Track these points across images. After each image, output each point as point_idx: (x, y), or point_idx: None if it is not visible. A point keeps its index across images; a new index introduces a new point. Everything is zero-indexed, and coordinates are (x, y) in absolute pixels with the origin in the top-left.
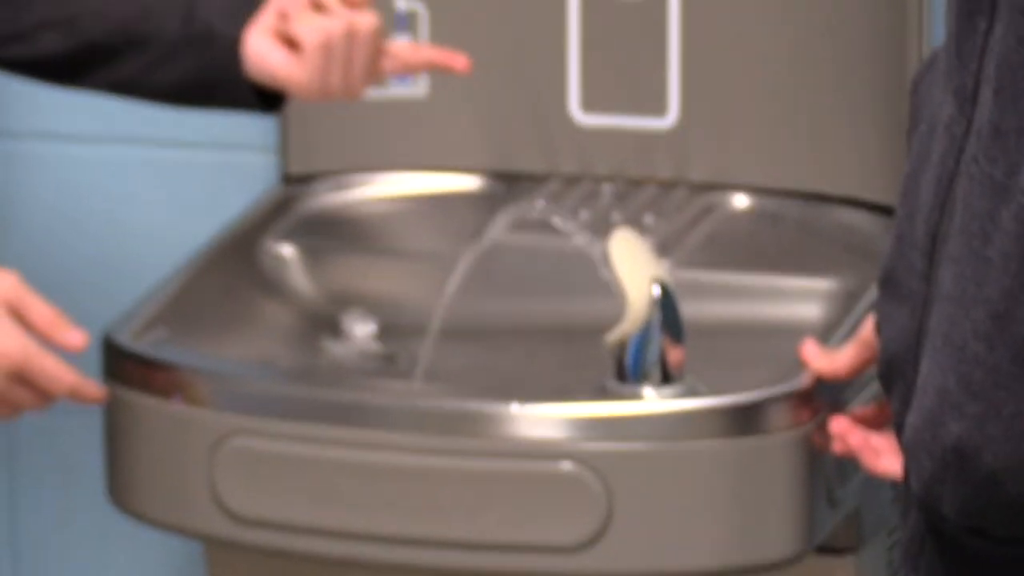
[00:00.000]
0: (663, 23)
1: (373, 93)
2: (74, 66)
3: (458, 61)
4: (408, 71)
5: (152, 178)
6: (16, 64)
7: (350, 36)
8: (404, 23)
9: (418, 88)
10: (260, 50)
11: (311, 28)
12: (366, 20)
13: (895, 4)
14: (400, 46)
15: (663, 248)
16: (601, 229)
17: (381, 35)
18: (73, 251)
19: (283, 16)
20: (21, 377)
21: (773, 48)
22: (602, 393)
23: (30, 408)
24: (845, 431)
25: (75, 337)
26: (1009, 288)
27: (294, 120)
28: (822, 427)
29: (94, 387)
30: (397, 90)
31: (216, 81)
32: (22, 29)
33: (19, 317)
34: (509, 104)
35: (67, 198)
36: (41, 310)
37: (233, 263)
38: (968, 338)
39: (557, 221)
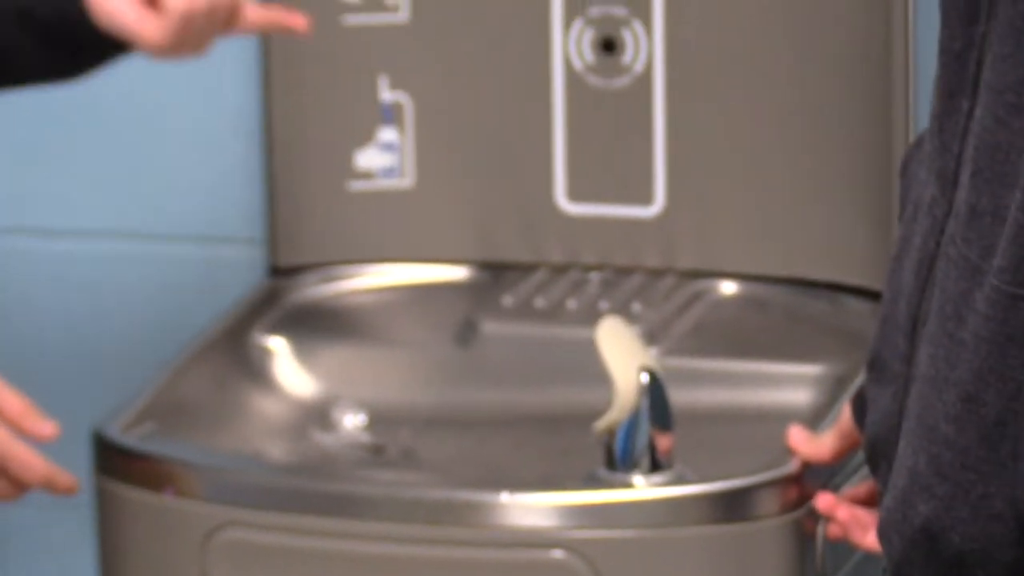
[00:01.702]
0: (648, 111)
1: (359, 185)
2: None
3: (297, 21)
4: (253, 32)
5: (139, 272)
6: None
7: (212, 8)
8: (389, 114)
9: (404, 179)
10: (117, 13)
11: (183, 7)
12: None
13: (880, 89)
14: (248, 10)
15: (651, 336)
16: (589, 318)
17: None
18: (60, 345)
19: None
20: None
21: (758, 135)
22: (592, 481)
23: (3, 498)
24: (831, 506)
25: (45, 427)
26: (979, 370)
27: (281, 213)
28: (812, 513)
29: (67, 477)
30: (383, 182)
31: (71, 48)
32: None
33: None
34: (495, 194)
35: (53, 292)
36: (11, 401)
37: (222, 355)
38: (939, 419)
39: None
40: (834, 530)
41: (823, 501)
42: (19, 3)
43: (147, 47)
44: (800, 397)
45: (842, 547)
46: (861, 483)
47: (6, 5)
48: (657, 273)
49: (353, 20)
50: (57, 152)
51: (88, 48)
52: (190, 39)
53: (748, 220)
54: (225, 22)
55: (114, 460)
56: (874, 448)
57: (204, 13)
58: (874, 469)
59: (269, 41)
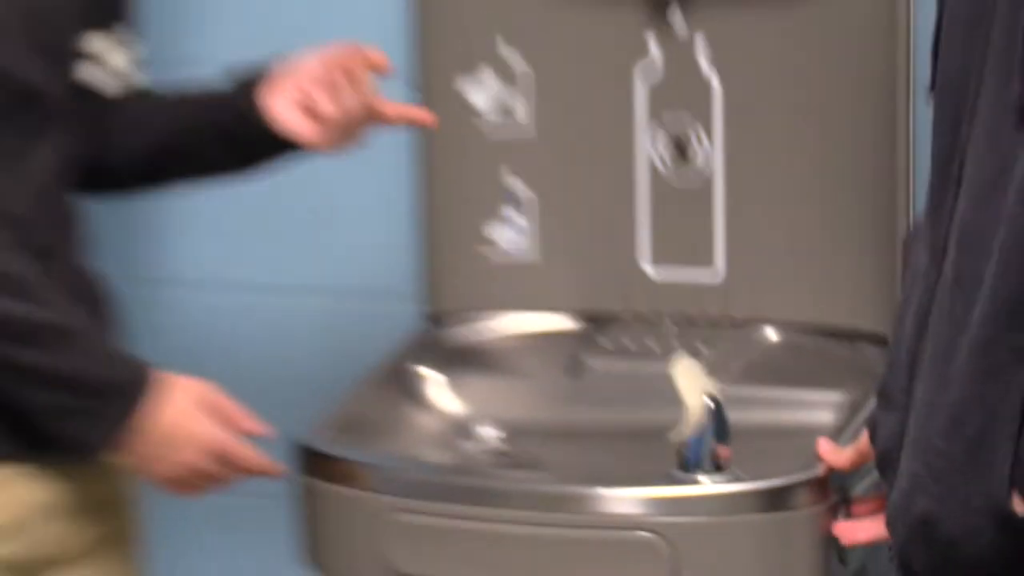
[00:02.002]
0: (711, 202)
1: (491, 251)
2: (150, 179)
3: (426, 117)
4: (393, 125)
5: (321, 320)
6: (103, 189)
7: (364, 115)
8: (513, 198)
9: (526, 248)
10: (285, 119)
11: (333, 108)
12: (373, 99)
13: (888, 186)
14: (387, 107)
15: (712, 369)
16: (666, 356)
17: (378, 104)
18: (257, 377)
19: (303, 91)
20: (222, 457)
21: (795, 219)
22: (669, 480)
23: (223, 482)
24: (842, 530)
25: (261, 429)
26: (962, 398)
27: (432, 273)
28: (834, 507)
29: (277, 465)
30: (509, 250)
31: (252, 147)
32: (120, 174)
33: (216, 414)
34: (595, 260)
35: (251, 334)
36: (233, 408)
37: (389, 383)
38: (933, 436)
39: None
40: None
41: (837, 528)
42: (212, 117)
43: (310, 146)
44: (826, 417)
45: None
46: (867, 498)
47: (202, 119)
48: (717, 322)
49: (488, 128)
50: (260, 223)
51: (266, 147)
52: (343, 136)
53: (786, 283)
54: (368, 120)
55: (313, 462)
56: (884, 459)
57: (356, 119)
58: (883, 474)
59: (422, 139)
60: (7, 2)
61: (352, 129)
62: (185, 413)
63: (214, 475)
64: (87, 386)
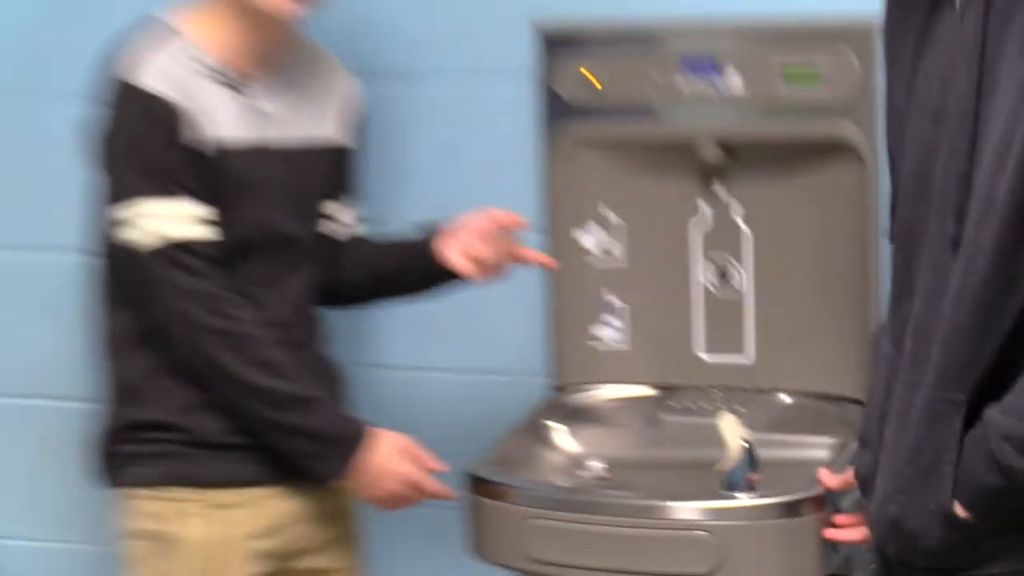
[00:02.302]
0: (743, 311)
1: (597, 344)
2: (367, 297)
3: (550, 261)
4: (526, 264)
5: (475, 392)
6: (335, 304)
7: (507, 257)
8: (609, 308)
9: (621, 341)
10: (456, 260)
11: (487, 253)
12: (514, 246)
13: (865, 301)
14: (523, 251)
15: (746, 423)
16: (714, 413)
17: (517, 249)
18: (433, 434)
19: (467, 241)
20: (414, 486)
21: (800, 322)
22: (717, 496)
23: (415, 502)
24: (832, 533)
25: (441, 465)
26: (917, 438)
27: (556, 358)
28: (828, 516)
29: (451, 491)
30: (610, 343)
31: (436, 278)
32: (347, 293)
33: (410, 456)
34: (667, 350)
35: (415, 407)
36: (421, 452)
37: (528, 433)
38: (898, 463)
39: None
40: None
41: (829, 533)
42: (409, 259)
43: (471, 279)
44: (823, 454)
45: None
46: (850, 514)
47: (402, 261)
48: (748, 391)
49: (594, 261)
50: (438, 324)
51: (442, 279)
52: (493, 271)
53: (794, 364)
54: (510, 260)
55: (478, 486)
56: (863, 483)
57: (497, 258)
58: (863, 493)
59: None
60: (281, 182)
61: (499, 266)
62: (389, 456)
63: (409, 498)
64: (324, 438)
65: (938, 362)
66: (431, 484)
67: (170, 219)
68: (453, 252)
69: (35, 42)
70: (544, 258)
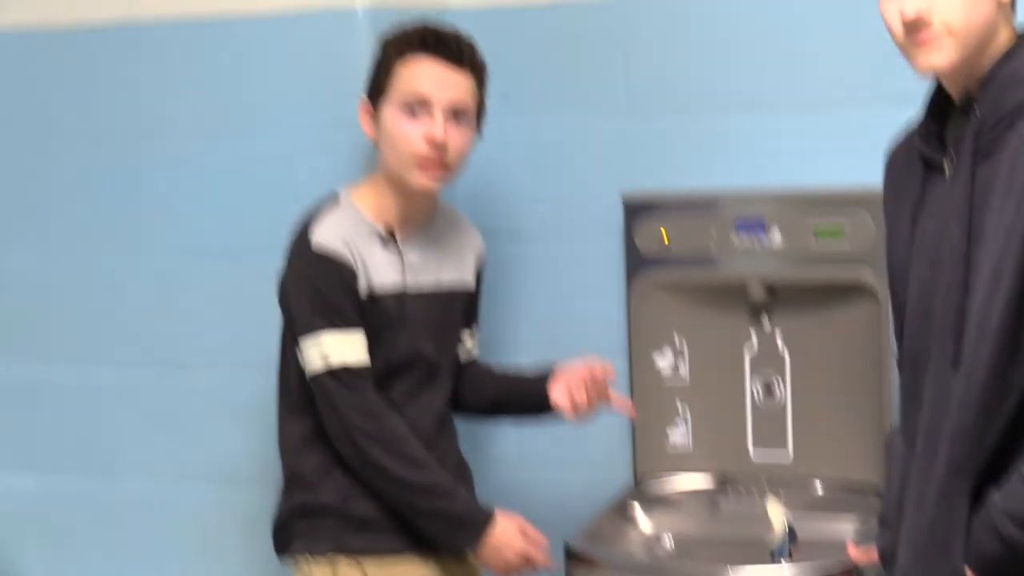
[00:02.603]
0: (785, 419)
1: (671, 446)
2: (481, 416)
3: (631, 409)
4: (612, 406)
5: (574, 485)
6: (460, 414)
7: (599, 400)
8: (679, 416)
9: (687, 445)
10: (560, 401)
11: (584, 398)
12: (607, 391)
13: (878, 402)
14: (613, 397)
15: (787, 506)
16: (763, 498)
17: (608, 394)
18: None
19: (570, 386)
20: (527, 559)
21: (830, 428)
22: (766, 563)
23: (526, 571)
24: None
25: (545, 541)
26: (932, 524)
27: (638, 455)
28: None
29: (552, 563)
30: (682, 447)
31: (541, 410)
32: (466, 409)
33: (524, 534)
34: (724, 449)
35: (526, 495)
36: (533, 531)
37: (615, 517)
38: (916, 536)
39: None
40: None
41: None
42: (524, 391)
43: (570, 417)
44: (850, 533)
45: None
46: None
47: (519, 391)
48: (789, 481)
49: (666, 378)
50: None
51: (546, 412)
52: (590, 411)
53: (825, 459)
54: (601, 402)
55: (574, 558)
56: (884, 557)
57: (592, 401)
58: (884, 567)
59: (631, 388)
60: (422, 318)
61: (593, 409)
62: (509, 533)
63: (522, 567)
64: (460, 520)
65: (947, 456)
66: (540, 556)
67: (340, 347)
68: (560, 395)
69: (237, 214)
70: (627, 406)
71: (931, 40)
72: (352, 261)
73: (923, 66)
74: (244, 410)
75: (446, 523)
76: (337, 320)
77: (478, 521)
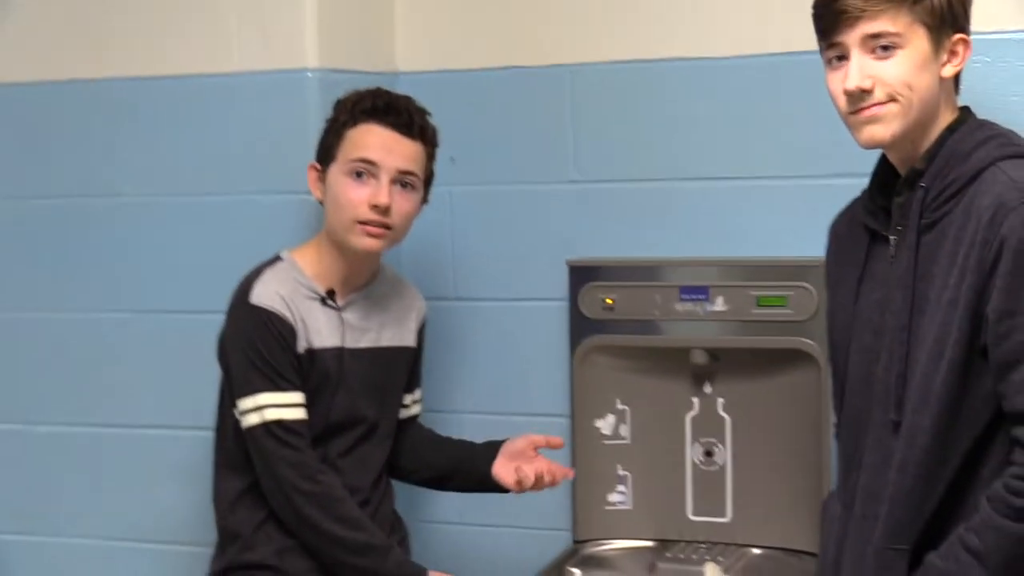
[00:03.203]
0: (725, 482)
1: (609, 507)
2: (418, 482)
3: (568, 473)
4: (554, 480)
5: (516, 547)
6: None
7: (548, 478)
8: (620, 478)
9: (629, 506)
10: (502, 476)
11: (528, 474)
12: (550, 467)
13: (816, 474)
14: (556, 471)
15: (726, 570)
16: (701, 562)
17: (551, 468)
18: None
19: (514, 461)
20: None
21: (767, 492)
22: None
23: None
24: None
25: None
26: None
27: (578, 518)
28: None
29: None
30: (621, 507)
31: (484, 486)
32: (403, 472)
33: None
34: (662, 512)
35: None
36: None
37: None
38: None
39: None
40: None
41: None
42: (468, 462)
43: (512, 490)
44: None
45: None
46: None
47: (462, 461)
48: (727, 545)
49: (608, 440)
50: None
51: (487, 486)
52: (533, 486)
53: (762, 525)
54: (546, 479)
55: None
56: None
57: (543, 479)
58: None
59: (573, 452)
60: (360, 378)
61: (538, 485)
62: None
63: None
64: (385, 567)
65: (886, 519)
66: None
67: (276, 404)
68: (501, 469)
69: (180, 272)
70: (566, 473)
71: (873, 114)
72: (291, 319)
73: (865, 139)
74: (183, 468)
75: None
76: (274, 377)
77: None
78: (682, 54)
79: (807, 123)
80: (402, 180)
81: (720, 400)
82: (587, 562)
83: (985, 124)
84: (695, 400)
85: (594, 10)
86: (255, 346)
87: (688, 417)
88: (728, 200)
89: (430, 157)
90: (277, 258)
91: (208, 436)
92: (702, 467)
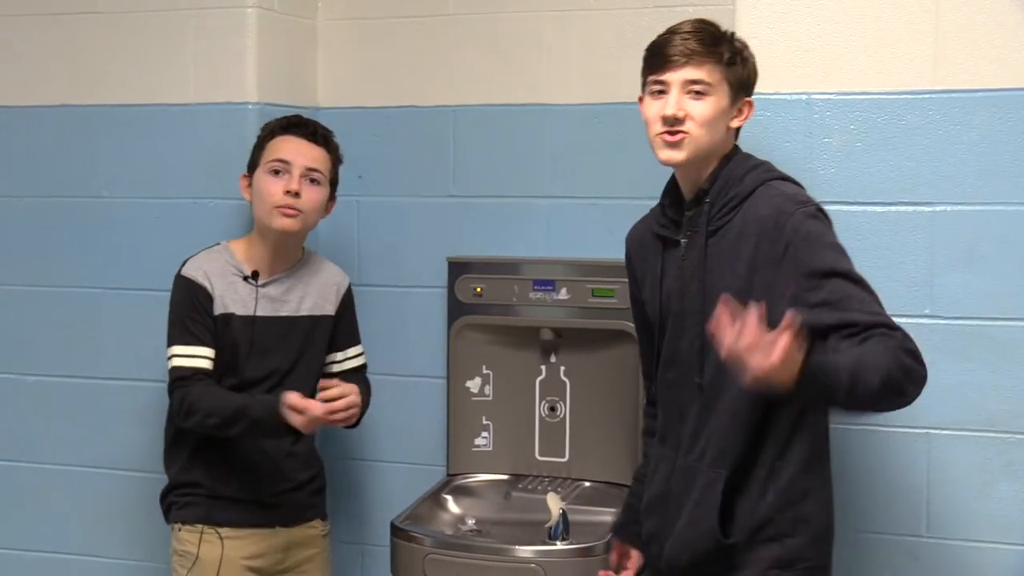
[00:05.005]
0: (565, 430)
1: (477, 450)
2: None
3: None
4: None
5: (388, 479)
6: None
7: (333, 417)
8: (485, 427)
9: (490, 448)
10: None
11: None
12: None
13: (633, 419)
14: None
15: (564, 499)
16: (545, 492)
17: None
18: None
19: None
20: (323, 414)
21: (598, 440)
22: (544, 542)
23: (312, 427)
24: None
25: (321, 405)
26: (699, 498)
27: (451, 457)
28: (606, 559)
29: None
30: (484, 449)
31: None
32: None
33: (304, 408)
34: (518, 453)
35: None
36: (308, 403)
37: (430, 501)
38: (689, 510)
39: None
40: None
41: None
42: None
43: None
44: (611, 518)
45: None
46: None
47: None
48: (564, 479)
49: (475, 397)
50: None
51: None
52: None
53: (594, 464)
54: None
55: (397, 533)
56: (651, 536)
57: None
58: (650, 542)
59: (449, 409)
60: (278, 341)
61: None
62: (298, 408)
63: (307, 424)
64: (263, 422)
65: (710, 453)
66: (316, 414)
67: (180, 356)
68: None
69: (142, 260)
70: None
71: (676, 140)
72: (208, 287)
73: (665, 157)
74: (139, 411)
75: (259, 427)
76: (183, 333)
77: (275, 413)
78: (539, 100)
79: (631, 158)
80: (310, 176)
81: (562, 368)
82: (457, 491)
83: (749, 156)
84: (543, 367)
85: (473, 64)
86: (175, 307)
87: (537, 381)
88: (571, 213)
89: (333, 163)
90: (216, 244)
91: (158, 386)
92: (547, 419)
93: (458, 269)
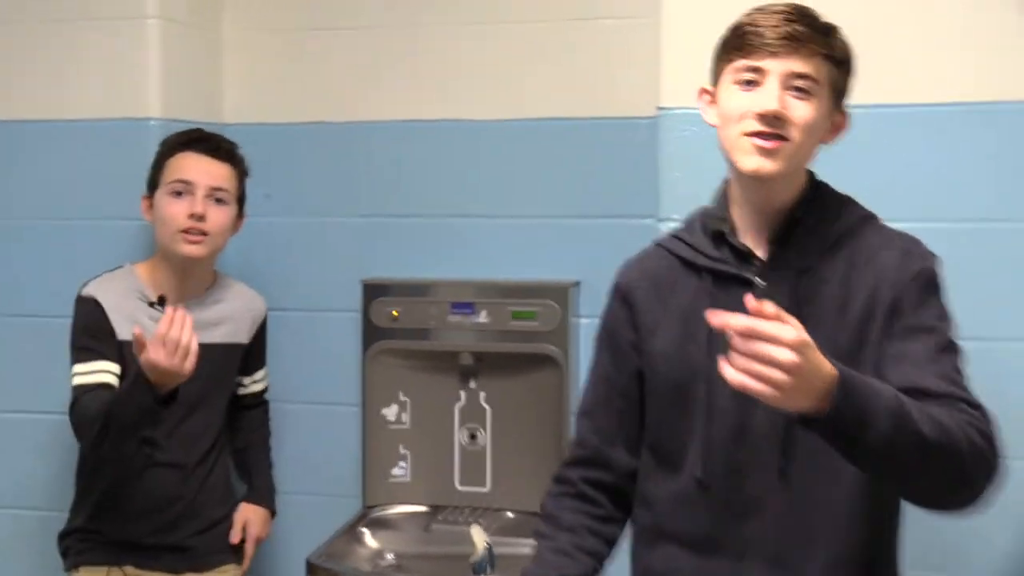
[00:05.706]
0: (486, 459)
1: (394, 481)
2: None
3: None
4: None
5: (302, 512)
6: None
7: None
8: (401, 456)
9: (408, 479)
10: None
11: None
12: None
13: (556, 449)
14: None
15: (487, 530)
16: (467, 524)
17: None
18: None
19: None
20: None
21: (519, 471)
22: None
23: (180, 374)
24: None
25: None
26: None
27: (367, 488)
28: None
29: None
30: (401, 480)
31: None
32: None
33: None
34: (436, 484)
35: None
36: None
37: (347, 536)
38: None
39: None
40: None
41: None
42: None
43: (162, 364)
44: (528, 551)
45: None
46: None
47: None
48: (486, 510)
49: (392, 425)
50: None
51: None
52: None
53: (516, 494)
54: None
55: (314, 571)
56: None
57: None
58: None
59: (364, 432)
60: None
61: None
62: (153, 360)
63: (173, 367)
64: (139, 403)
65: (821, 561)
66: (166, 354)
67: (80, 374)
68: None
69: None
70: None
71: (773, 147)
72: (106, 307)
73: (752, 166)
74: (39, 445)
75: (138, 409)
76: (83, 352)
77: (141, 384)
78: (451, 116)
79: (554, 175)
80: (215, 196)
81: (482, 394)
82: (374, 524)
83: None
84: (462, 393)
85: (384, 79)
86: (75, 328)
87: (457, 407)
88: (488, 233)
89: (240, 178)
90: (119, 267)
91: (59, 419)
92: (467, 447)
93: (373, 292)
